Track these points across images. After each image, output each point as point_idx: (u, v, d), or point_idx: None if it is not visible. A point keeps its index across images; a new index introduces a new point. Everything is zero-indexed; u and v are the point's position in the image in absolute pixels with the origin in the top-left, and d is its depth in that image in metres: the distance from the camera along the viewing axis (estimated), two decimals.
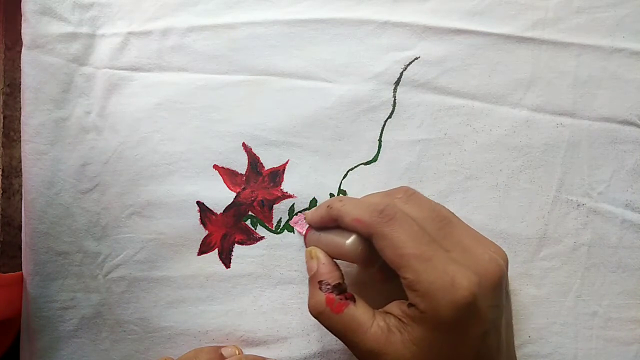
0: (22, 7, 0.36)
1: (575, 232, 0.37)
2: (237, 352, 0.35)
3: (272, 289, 0.37)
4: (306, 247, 0.34)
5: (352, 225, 0.29)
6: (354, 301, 0.30)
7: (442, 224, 0.29)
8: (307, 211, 0.35)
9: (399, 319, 0.28)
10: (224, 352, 0.35)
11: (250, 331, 0.37)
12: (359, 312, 0.29)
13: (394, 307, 0.29)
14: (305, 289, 0.37)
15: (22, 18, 0.36)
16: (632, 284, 0.36)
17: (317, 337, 0.36)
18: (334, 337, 0.36)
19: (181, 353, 0.36)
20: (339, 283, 0.30)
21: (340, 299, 0.29)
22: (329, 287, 0.30)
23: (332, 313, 0.29)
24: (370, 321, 0.28)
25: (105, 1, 0.37)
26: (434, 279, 0.26)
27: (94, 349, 0.37)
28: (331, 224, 0.32)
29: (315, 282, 0.31)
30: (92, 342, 0.37)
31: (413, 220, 0.28)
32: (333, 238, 0.31)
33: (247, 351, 0.36)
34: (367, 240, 0.29)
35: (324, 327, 0.30)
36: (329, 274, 0.30)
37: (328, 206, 0.32)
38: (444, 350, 0.27)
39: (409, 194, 0.30)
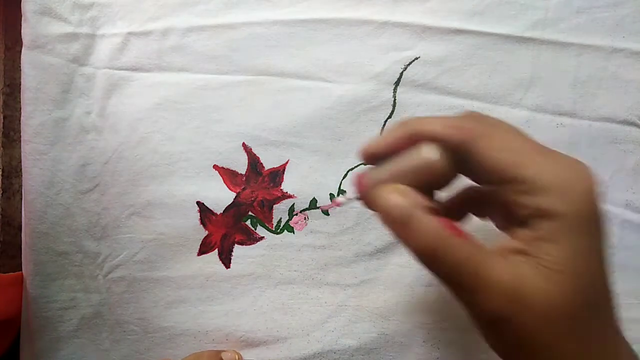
0: (22, 7, 0.36)
1: None
2: (237, 357, 0.35)
3: (272, 289, 0.37)
4: (366, 198, 0.25)
5: (446, 132, 0.23)
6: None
7: (524, 132, 0.24)
8: (364, 145, 0.26)
9: (520, 253, 0.22)
10: (224, 356, 0.35)
11: (250, 331, 0.37)
12: (479, 242, 0.22)
13: (501, 245, 0.23)
14: (304, 289, 0.37)
15: (22, 18, 0.36)
16: (632, 284, 0.36)
17: (317, 337, 0.36)
18: (334, 337, 0.36)
19: (181, 353, 0.36)
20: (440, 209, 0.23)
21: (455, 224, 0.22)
22: (435, 212, 0.22)
23: (454, 240, 0.21)
24: (495, 254, 0.22)
25: (105, 1, 0.37)
26: (560, 169, 0.21)
27: (94, 349, 0.37)
28: (406, 146, 0.24)
29: (411, 215, 0.22)
30: (92, 342, 0.37)
31: (505, 123, 0.23)
32: (404, 160, 0.24)
33: (247, 351, 0.37)
34: (447, 151, 0.23)
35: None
36: (426, 200, 0.23)
37: (400, 124, 0.25)
38: (591, 263, 0.21)
39: (476, 113, 0.25)
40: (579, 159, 0.23)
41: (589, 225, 0.21)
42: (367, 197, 0.25)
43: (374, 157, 0.25)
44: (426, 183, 0.24)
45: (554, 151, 0.22)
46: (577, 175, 0.21)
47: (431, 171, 0.23)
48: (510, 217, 0.23)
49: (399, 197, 0.23)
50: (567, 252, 0.21)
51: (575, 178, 0.21)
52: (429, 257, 0.22)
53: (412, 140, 0.24)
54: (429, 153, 0.23)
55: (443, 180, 0.24)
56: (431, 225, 0.21)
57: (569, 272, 0.21)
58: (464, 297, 0.22)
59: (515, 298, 0.20)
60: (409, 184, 0.23)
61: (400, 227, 0.22)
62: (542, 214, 0.21)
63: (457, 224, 0.22)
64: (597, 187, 0.21)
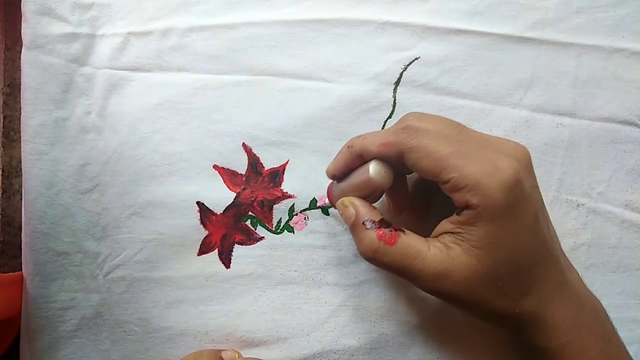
0: (22, 7, 0.36)
1: (574, 232, 0.37)
2: (236, 356, 0.35)
3: (272, 289, 0.37)
4: (333, 204, 0.33)
5: (379, 151, 0.29)
6: (403, 231, 0.29)
7: (459, 129, 0.29)
8: (328, 166, 0.33)
9: (452, 233, 0.28)
10: (224, 355, 0.35)
11: (250, 331, 0.37)
12: (413, 240, 0.28)
13: (442, 225, 0.29)
14: (304, 289, 0.37)
15: (22, 18, 0.36)
16: (632, 284, 0.36)
17: (317, 337, 0.36)
18: (334, 337, 0.36)
19: (181, 353, 0.36)
20: (382, 218, 0.30)
21: (391, 231, 0.29)
22: (374, 223, 0.29)
23: (387, 246, 0.28)
24: (426, 245, 0.28)
25: (105, 1, 0.37)
26: (477, 169, 0.26)
27: (94, 349, 0.37)
28: (356, 163, 0.31)
29: (359, 225, 0.30)
30: (92, 342, 0.37)
31: (435, 130, 0.28)
32: (355, 177, 0.31)
33: (247, 351, 0.37)
34: (389, 166, 0.29)
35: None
36: (369, 213, 0.30)
37: (348, 146, 0.31)
38: (506, 239, 0.27)
39: (418, 114, 0.30)
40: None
41: (503, 211, 0.26)
42: (332, 203, 0.33)
43: (335, 176, 0.32)
44: (372, 193, 0.31)
45: (480, 150, 0.27)
46: (492, 172, 0.26)
47: (374, 185, 0.30)
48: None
49: (351, 211, 0.30)
50: (483, 233, 0.26)
51: (489, 175, 0.26)
52: (370, 261, 0.29)
53: (359, 158, 0.30)
54: (371, 172, 0.29)
55: (385, 189, 0.31)
56: (370, 237, 0.29)
57: (486, 248, 0.27)
58: (407, 280, 0.29)
59: (442, 275, 0.27)
60: (360, 195, 0.31)
61: (351, 232, 0.31)
62: (465, 205, 0.27)
63: (392, 233, 0.28)
64: (514, 178, 0.26)
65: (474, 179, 0.26)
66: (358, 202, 0.30)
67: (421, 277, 0.28)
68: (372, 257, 0.29)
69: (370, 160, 0.30)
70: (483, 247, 0.27)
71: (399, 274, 0.29)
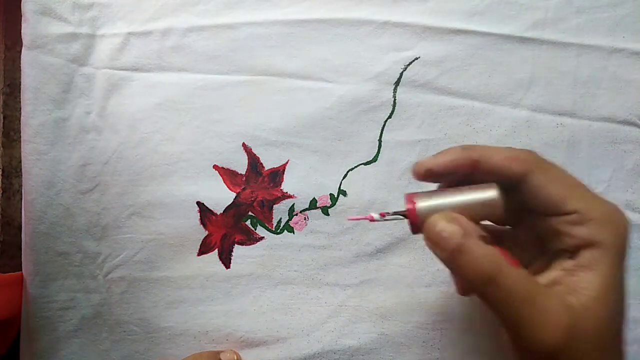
0: (22, 7, 0.36)
1: None
2: (235, 357, 0.35)
3: (272, 289, 0.37)
4: (415, 223, 0.25)
5: (504, 164, 0.25)
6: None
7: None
8: (421, 160, 0.27)
9: (559, 283, 0.24)
10: (223, 357, 0.35)
11: (250, 331, 0.37)
12: (530, 275, 0.24)
13: (550, 271, 0.25)
14: (304, 289, 0.37)
15: (22, 18, 0.36)
16: (632, 284, 0.36)
17: (317, 337, 0.36)
18: (334, 337, 0.36)
19: (181, 353, 0.36)
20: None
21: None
22: (491, 241, 0.24)
23: (511, 267, 0.23)
24: (537, 282, 0.24)
25: (105, 1, 0.37)
26: (605, 206, 0.24)
27: (94, 349, 0.37)
28: (465, 167, 0.26)
29: (472, 241, 0.23)
30: (92, 342, 0.37)
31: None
32: (474, 194, 0.25)
33: (247, 351, 0.37)
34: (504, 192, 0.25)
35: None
36: (482, 230, 0.24)
37: (463, 148, 0.26)
38: (622, 283, 0.24)
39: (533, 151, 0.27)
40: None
41: (622, 256, 0.24)
42: (416, 219, 0.25)
43: (428, 174, 0.26)
44: (479, 219, 0.25)
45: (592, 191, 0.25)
46: (616, 210, 0.24)
47: (492, 210, 0.25)
48: (547, 251, 0.25)
49: (454, 225, 0.24)
50: (604, 279, 0.23)
51: (615, 213, 0.24)
52: (485, 283, 0.23)
53: (473, 165, 0.25)
54: (497, 193, 0.25)
55: (498, 219, 0.25)
56: (489, 252, 0.23)
57: (606, 300, 0.23)
58: (516, 328, 0.23)
59: (569, 328, 0.22)
60: (467, 217, 0.25)
61: (456, 253, 0.23)
62: (587, 244, 0.23)
63: (511, 254, 0.24)
64: (629, 225, 0.24)
65: (604, 214, 0.24)
66: (464, 219, 0.24)
67: (545, 321, 0.22)
68: (493, 278, 0.22)
69: (487, 174, 0.25)
70: (601, 299, 0.23)
71: (515, 311, 0.22)
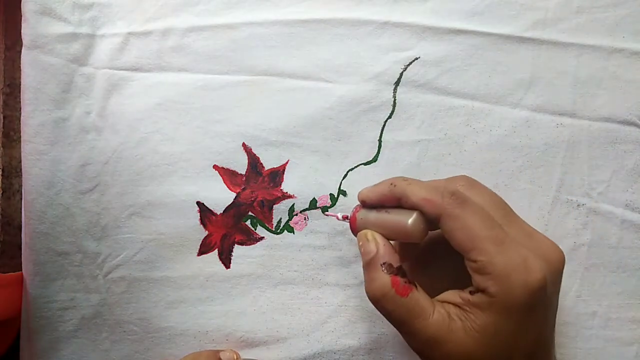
0: (22, 7, 0.36)
1: (575, 232, 0.37)
2: (235, 357, 0.35)
3: (272, 289, 0.37)
4: (354, 230, 0.32)
5: (419, 204, 0.28)
6: (416, 287, 0.28)
7: (505, 212, 0.29)
8: (363, 189, 0.31)
9: (459, 307, 0.27)
10: (222, 356, 0.35)
11: (250, 331, 0.37)
12: (422, 298, 0.28)
13: (451, 295, 0.28)
14: (304, 289, 0.37)
15: (22, 18, 0.36)
16: (632, 284, 0.36)
17: (317, 337, 0.36)
18: (334, 337, 0.36)
19: (181, 353, 0.36)
20: (401, 266, 0.29)
21: (405, 282, 0.28)
22: (392, 269, 0.28)
23: (397, 295, 0.27)
24: (432, 308, 0.27)
25: (105, 1, 0.37)
26: (507, 262, 0.26)
27: (94, 349, 0.37)
28: (391, 202, 0.30)
29: (376, 264, 0.29)
30: (92, 342, 0.37)
31: (481, 206, 0.28)
32: (393, 218, 0.30)
33: (247, 351, 0.37)
34: (426, 221, 0.29)
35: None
36: (390, 256, 0.29)
37: (391, 184, 0.30)
38: (509, 335, 0.26)
39: (470, 181, 0.30)
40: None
41: (516, 310, 0.26)
42: (354, 229, 0.32)
43: (365, 203, 0.31)
44: (400, 240, 0.30)
45: (517, 242, 0.27)
46: (521, 270, 0.26)
47: (408, 236, 0.29)
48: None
49: (372, 247, 0.29)
50: (489, 321, 0.26)
51: (517, 272, 0.25)
52: (374, 302, 0.28)
53: (396, 200, 0.29)
54: (410, 223, 0.28)
55: (414, 242, 0.30)
56: (383, 281, 0.28)
57: (487, 336, 0.26)
58: (400, 332, 0.29)
59: (437, 342, 0.27)
60: (386, 236, 0.30)
61: (365, 267, 0.29)
62: (483, 290, 0.26)
63: (405, 285, 0.28)
64: (540, 284, 0.26)
65: (502, 271, 0.25)
66: (381, 241, 0.29)
67: (417, 337, 0.27)
68: (378, 300, 0.28)
69: (408, 208, 0.29)
70: (484, 334, 0.26)
71: (396, 324, 0.28)
